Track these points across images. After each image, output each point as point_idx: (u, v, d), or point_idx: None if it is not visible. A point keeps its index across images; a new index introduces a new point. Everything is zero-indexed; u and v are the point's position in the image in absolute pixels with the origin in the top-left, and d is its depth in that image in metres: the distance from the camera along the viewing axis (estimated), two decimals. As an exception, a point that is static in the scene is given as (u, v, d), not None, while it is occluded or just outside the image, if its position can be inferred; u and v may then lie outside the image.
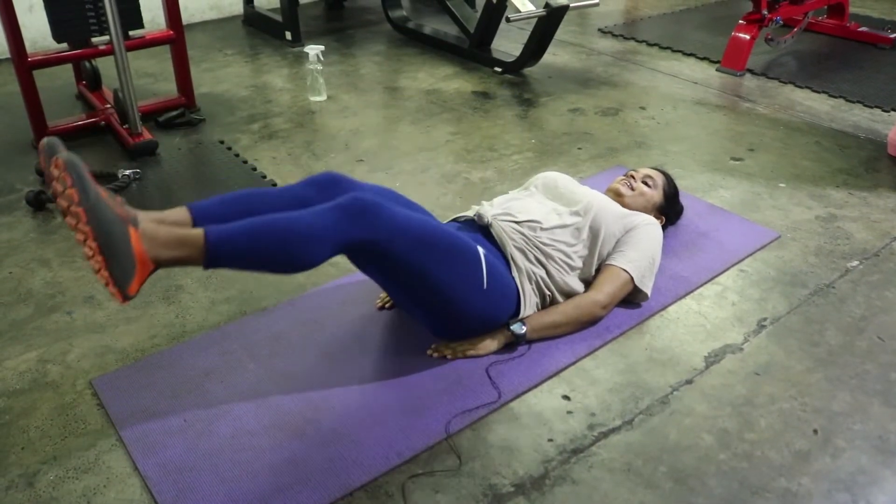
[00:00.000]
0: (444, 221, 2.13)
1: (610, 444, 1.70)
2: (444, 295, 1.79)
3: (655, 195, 2.32)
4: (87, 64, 3.37)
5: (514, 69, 3.87)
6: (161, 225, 1.55)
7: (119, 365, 1.93)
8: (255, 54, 4.20)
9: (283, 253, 1.57)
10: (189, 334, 2.04)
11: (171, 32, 3.25)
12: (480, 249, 1.85)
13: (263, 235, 1.56)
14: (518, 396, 1.82)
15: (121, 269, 1.44)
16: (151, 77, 3.82)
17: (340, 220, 1.61)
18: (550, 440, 1.71)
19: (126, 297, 1.47)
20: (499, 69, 3.91)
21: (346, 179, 1.87)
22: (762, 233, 2.48)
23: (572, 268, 2.03)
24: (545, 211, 2.07)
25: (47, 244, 2.43)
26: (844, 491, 1.59)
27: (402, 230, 1.68)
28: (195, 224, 1.64)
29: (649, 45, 4.37)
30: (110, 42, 2.89)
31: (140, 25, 3.13)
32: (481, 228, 2.01)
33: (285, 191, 1.81)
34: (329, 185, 1.82)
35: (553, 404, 1.81)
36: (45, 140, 1.48)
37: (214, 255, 1.52)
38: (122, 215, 1.48)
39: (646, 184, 2.33)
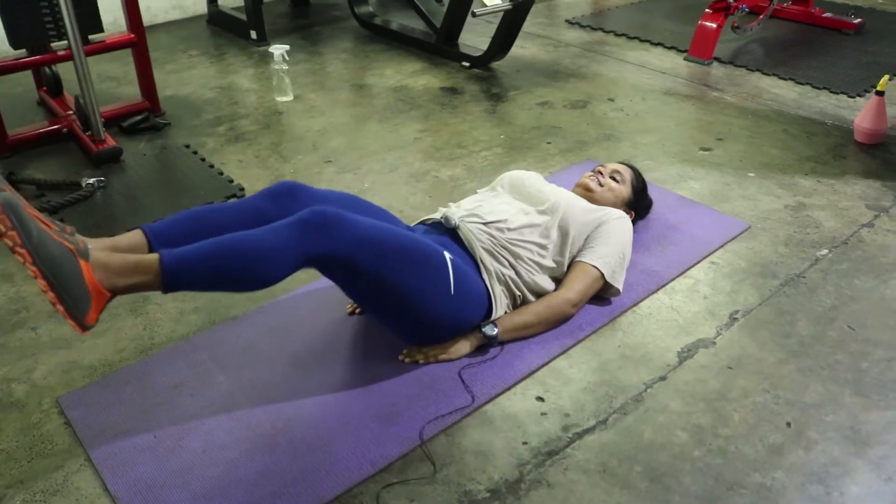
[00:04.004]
0: (413, 223, 2.11)
1: (585, 444, 1.69)
2: (411, 303, 1.78)
3: (624, 190, 2.32)
4: (48, 69, 3.30)
5: (482, 63, 3.85)
6: (114, 253, 1.53)
7: (86, 381, 1.89)
8: (220, 54, 4.14)
9: (243, 271, 1.55)
10: (157, 347, 2.00)
11: (133, 36, 3.19)
12: (447, 254, 1.83)
13: (221, 255, 1.54)
14: (492, 399, 1.81)
15: (74, 301, 1.43)
16: (115, 81, 3.76)
17: (301, 234, 1.59)
18: (525, 443, 1.70)
19: (85, 328, 1.46)
20: (466, 64, 3.89)
21: (304, 189, 1.84)
22: (732, 224, 2.49)
23: (543, 267, 2.02)
24: (513, 211, 2.06)
25: (9, 258, 2.35)
26: (818, 483, 1.60)
27: (365, 241, 1.66)
28: (151, 247, 1.62)
29: (617, 35, 4.36)
30: (69, 47, 2.83)
31: (100, 29, 3.07)
32: (448, 231, 1.99)
33: (242, 204, 1.79)
34: (287, 196, 1.80)
35: (527, 406, 1.80)
36: None
37: (172, 280, 1.51)
38: (72, 248, 1.46)
39: (614, 179, 2.32)
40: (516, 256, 1.98)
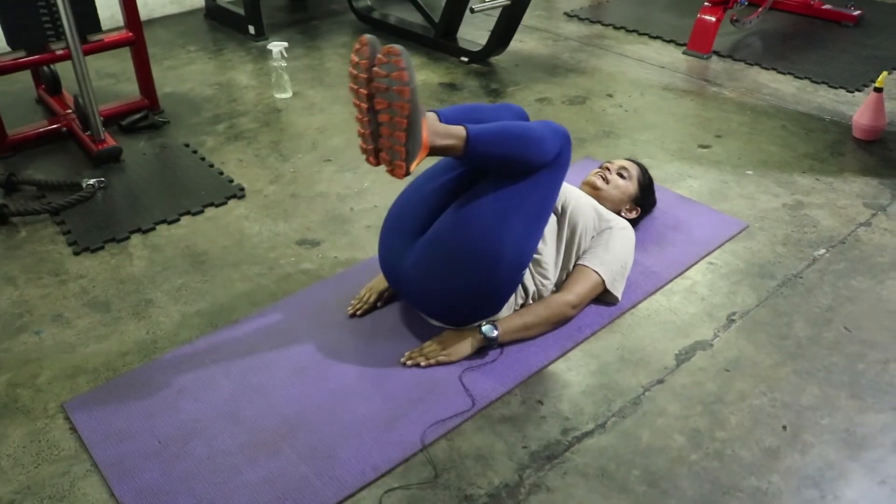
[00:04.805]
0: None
1: (583, 448, 1.72)
2: (508, 247, 1.87)
3: (630, 187, 2.34)
4: (46, 68, 3.31)
5: (481, 58, 3.85)
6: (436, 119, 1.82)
7: (91, 386, 1.91)
8: (218, 50, 4.13)
9: (525, 148, 1.88)
10: (160, 351, 2.02)
11: (130, 34, 3.19)
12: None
13: (509, 134, 1.89)
14: (492, 403, 1.83)
15: (413, 146, 1.70)
16: (113, 78, 3.76)
17: (561, 134, 1.95)
18: (525, 447, 1.72)
19: (407, 173, 1.73)
20: (465, 59, 3.88)
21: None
22: (731, 223, 2.50)
23: (551, 273, 2.04)
24: None
25: (12, 260, 2.40)
26: (813, 487, 1.62)
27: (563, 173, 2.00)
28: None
29: (615, 28, 4.36)
30: (67, 47, 2.83)
31: (98, 29, 3.07)
32: None
33: (498, 109, 2.07)
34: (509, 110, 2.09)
35: (527, 409, 1.82)
36: (367, 36, 1.69)
37: (474, 146, 1.80)
38: (422, 107, 1.73)
39: (621, 175, 2.34)
40: (532, 261, 2.01)
